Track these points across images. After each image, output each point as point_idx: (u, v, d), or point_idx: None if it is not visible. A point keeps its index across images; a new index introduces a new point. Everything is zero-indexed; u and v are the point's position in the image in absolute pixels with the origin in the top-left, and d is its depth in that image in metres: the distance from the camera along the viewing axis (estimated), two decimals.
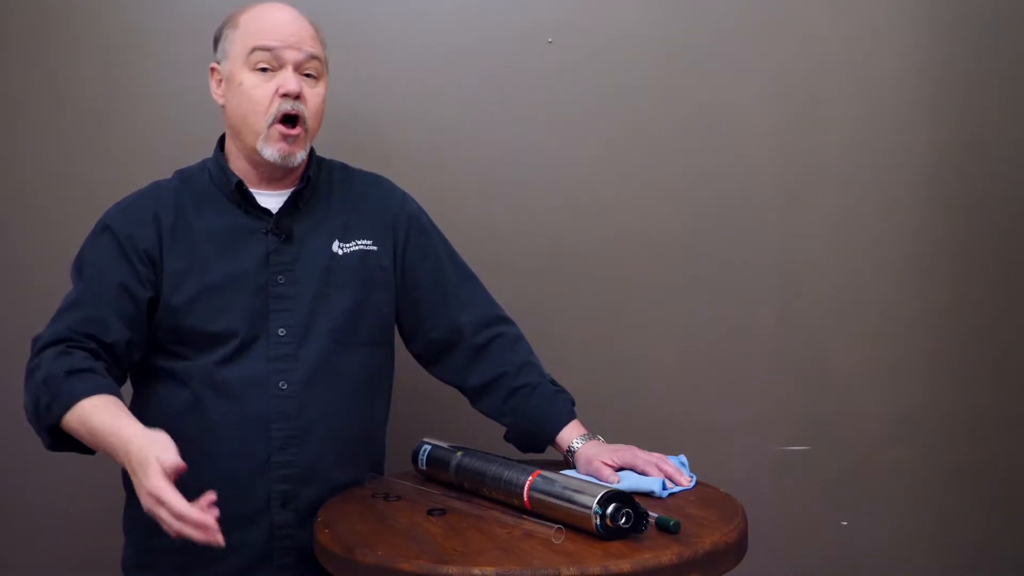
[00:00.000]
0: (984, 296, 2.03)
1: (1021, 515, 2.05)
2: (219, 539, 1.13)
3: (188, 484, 1.40)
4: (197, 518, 1.12)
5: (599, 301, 1.95)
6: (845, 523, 2.01)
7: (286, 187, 1.49)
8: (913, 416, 2.01)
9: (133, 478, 1.19)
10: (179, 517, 1.13)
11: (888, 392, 2.01)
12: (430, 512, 1.30)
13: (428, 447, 1.49)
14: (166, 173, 1.53)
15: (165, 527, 1.15)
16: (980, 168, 2.02)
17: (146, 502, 1.16)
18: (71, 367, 1.30)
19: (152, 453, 1.17)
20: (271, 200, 1.48)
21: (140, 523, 1.45)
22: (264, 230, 1.45)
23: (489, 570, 1.07)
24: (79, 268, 1.43)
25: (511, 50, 1.92)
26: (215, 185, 1.49)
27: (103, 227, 1.44)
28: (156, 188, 1.49)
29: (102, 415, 1.25)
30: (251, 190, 1.47)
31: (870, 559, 2.01)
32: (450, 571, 1.08)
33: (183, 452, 1.38)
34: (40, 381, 1.31)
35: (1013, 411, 2.04)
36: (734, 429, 1.97)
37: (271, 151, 1.42)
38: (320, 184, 1.53)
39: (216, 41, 1.48)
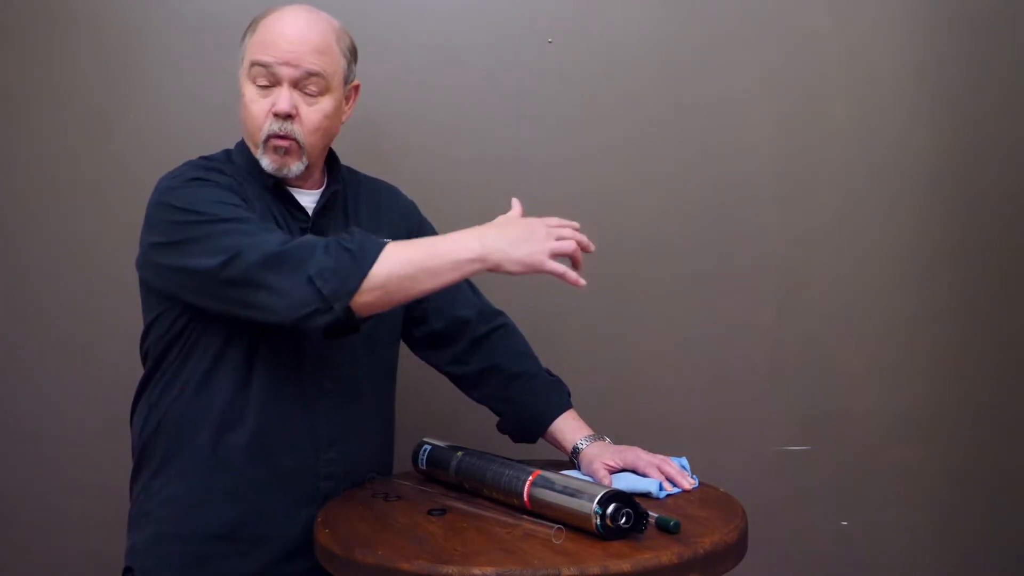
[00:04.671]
0: (984, 296, 2.02)
1: (1021, 515, 2.05)
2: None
3: (242, 477, 1.39)
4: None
5: (599, 300, 1.94)
6: (845, 523, 2.01)
7: (311, 187, 1.48)
8: (913, 416, 2.01)
9: (501, 241, 1.29)
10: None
11: (888, 391, 2.01)
12: (430, 512, 1.30)
13: (428, 447, 1.49)
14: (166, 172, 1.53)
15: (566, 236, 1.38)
16: (980, 168, 2.02)
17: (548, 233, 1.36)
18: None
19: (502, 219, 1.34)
20: (304, 198, 1.47)
21: (151, 519, 1.43)
22: (300, 228, 1.44)
23: (489, 570, 1.07)
24: (198, 216, 1.30)
25: (511, 50, 1.92)
26: (249, 174, 1.45)
27: (192, 178, 1.36)
28: (207, 158, 1.46)
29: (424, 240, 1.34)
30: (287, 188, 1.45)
31: (870, 559, 2.01)
32: (450, 571, 1.08)
33: (237, 446, 1.37)
34: (322, 258, 1.25)
35: (1013, 411, 2.04)
36: (734, 429, 1.97)
37: (267, 162, 1.42)
38: (345, 186, 1.54)
39: (243, 38, 1.45)
